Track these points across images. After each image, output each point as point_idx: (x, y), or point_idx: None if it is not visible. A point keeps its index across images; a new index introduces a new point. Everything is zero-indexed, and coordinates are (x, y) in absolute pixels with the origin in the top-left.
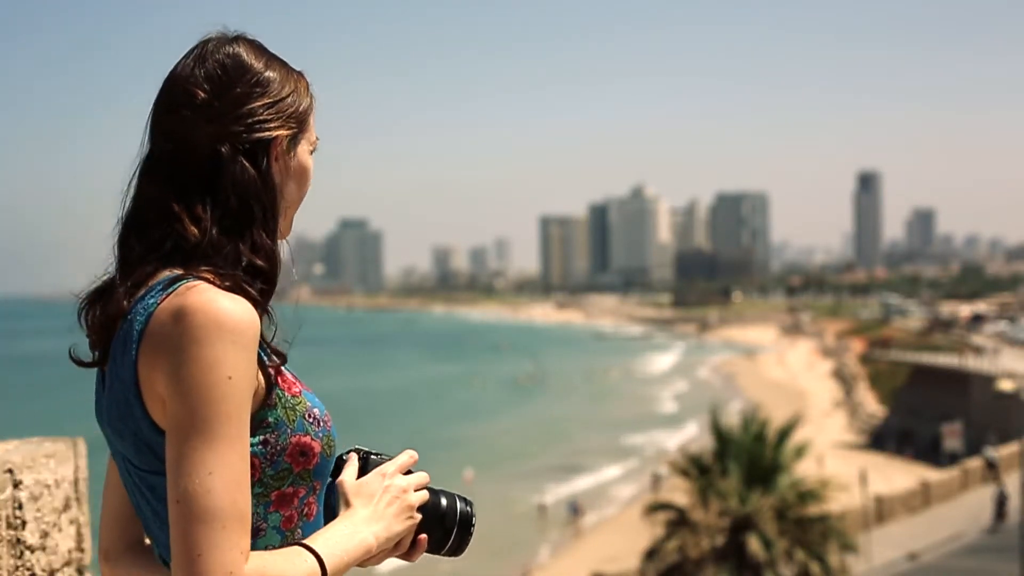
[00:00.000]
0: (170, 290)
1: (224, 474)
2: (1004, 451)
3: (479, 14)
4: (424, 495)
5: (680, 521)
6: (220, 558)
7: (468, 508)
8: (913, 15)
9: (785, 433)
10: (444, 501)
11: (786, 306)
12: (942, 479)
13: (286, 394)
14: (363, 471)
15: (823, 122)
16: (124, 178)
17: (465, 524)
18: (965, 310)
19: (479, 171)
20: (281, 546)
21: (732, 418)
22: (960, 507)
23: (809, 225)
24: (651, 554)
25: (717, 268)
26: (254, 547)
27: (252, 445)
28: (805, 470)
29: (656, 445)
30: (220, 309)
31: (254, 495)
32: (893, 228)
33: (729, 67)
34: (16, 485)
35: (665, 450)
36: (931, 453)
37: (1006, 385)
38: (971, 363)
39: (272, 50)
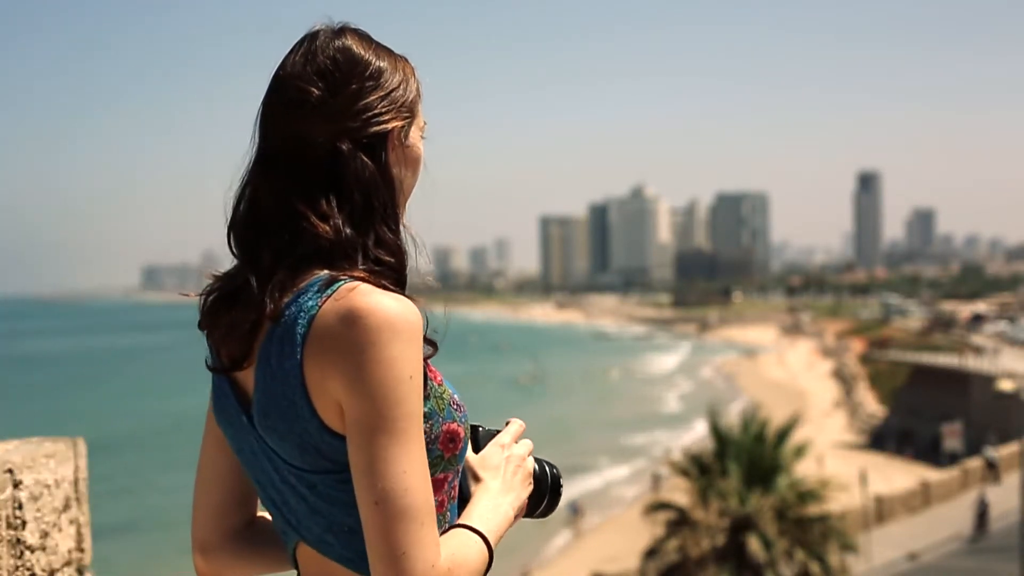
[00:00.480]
0: (329, 292)
1: (416, 471)
2: (1004, 451)
3: (479, 14)
4: (532, 461)
5: (680, 521)
6: (423, 554)
7: (557, 472)
8: (913, 15)
9: (785, 433)
10: (536, 467)
11: (786, 306)
12: (942, 479)
13: (434, 384)
14: (475, 443)
15: (823, 122)
16: (135, 179)
17: (556, 488)
18: (965, 310)
19: (479, 171)
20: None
21: (732, 418)
22: (960, 507)
23: (809, 225)
24: (651, 554)
25: (717, 268)
26: None
27: None
28: (805, 470)
29: (657, 445)
30: (389, 309)
31: None
32: (893, 228)
33: (729, 67)
34: (16, 485)
35: (666, 450)
36: (931, 453)
37: (1006, 385)
38: (971, 363)
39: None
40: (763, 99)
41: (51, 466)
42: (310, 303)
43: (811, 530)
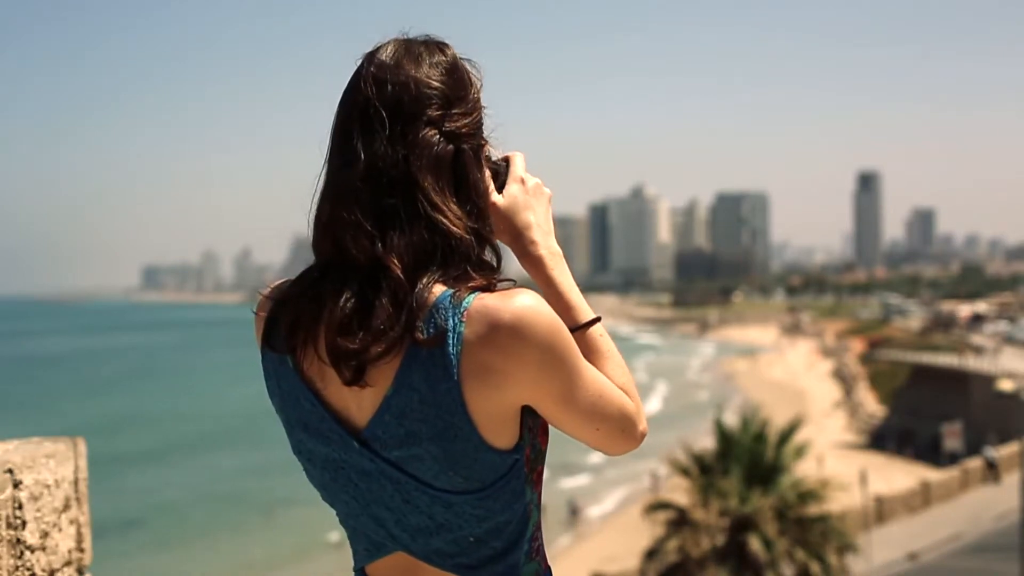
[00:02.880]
0: (464, 308)
1: (598, 383)
2: (1004, 451)
3: (478, 14)
4: None
5: (681, 521)
6: (631, 416)
7: None
8: (913, 15)
9: (787, 434)
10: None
11: (786, 306)
12: (942, 479)
13: None
14: (495, 178)
15: (823, 122)
16: (135, 179)
17: None
18: (965, 310)
19: None
20: (538, 520)
21: (733, 418)
22: (960, 507)
23: (809, 225)
24: (651, 554)
25: (717, 268)
26: (524, 531)
27: (525, 433)
28: (805, 470)
29: (657, 444)
30: (530, 306)
31: (528, 483)
32: (893, 228)
33: (729, 67)
34: (16, 485)
35: (663, 449)
36: (931, 453)
37: (1006, 385)
38: (971, 363)
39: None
40: (763, 99)
41: (51, 466)
42: (452, 321)
43: (811, 530)
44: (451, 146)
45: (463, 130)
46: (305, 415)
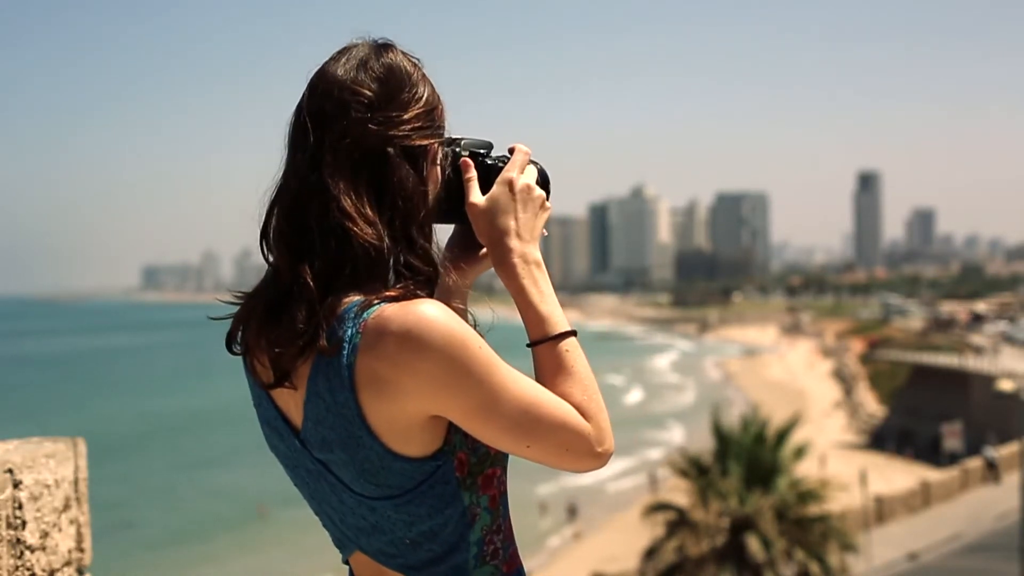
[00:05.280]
0: (365, 317)
1: (527, 390)
2: (1004, 451)
3: (479, 14)
4: (534, 173)
5: (680, 521)
6: (578, 435)
7: (540, 165)
8: (913, 15)
9: (785, 434)
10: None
11: (786, 306)
12: (942, 479)
13: None
14: (483, 176)
15: (823, 122)
16: (134, 179)
17: (546, 181)
18: (965, 310)
19: None
20: (492, 524)
21: (731, 418)
22: (960, 507)
23: (809, 225)
24: (651, 554)
25: (717, 268)
26: (471, 533)
27: (456, 438)
28: (806, 470)
29: (655, 444)
30: (429, 313)
31: (466, 488)
32: (893, 228)
33: (729, 67)
34: (16, 485)
35: (662, 449)
36: (931, 453)
37: (1006, 385)
38: (971, 363)
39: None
40: (763, 99)
41: (51, 466)
42: (349, 332)
43: (811, 530)
44: (375, 148)
45: (390, 131)
46: (265, 412)
